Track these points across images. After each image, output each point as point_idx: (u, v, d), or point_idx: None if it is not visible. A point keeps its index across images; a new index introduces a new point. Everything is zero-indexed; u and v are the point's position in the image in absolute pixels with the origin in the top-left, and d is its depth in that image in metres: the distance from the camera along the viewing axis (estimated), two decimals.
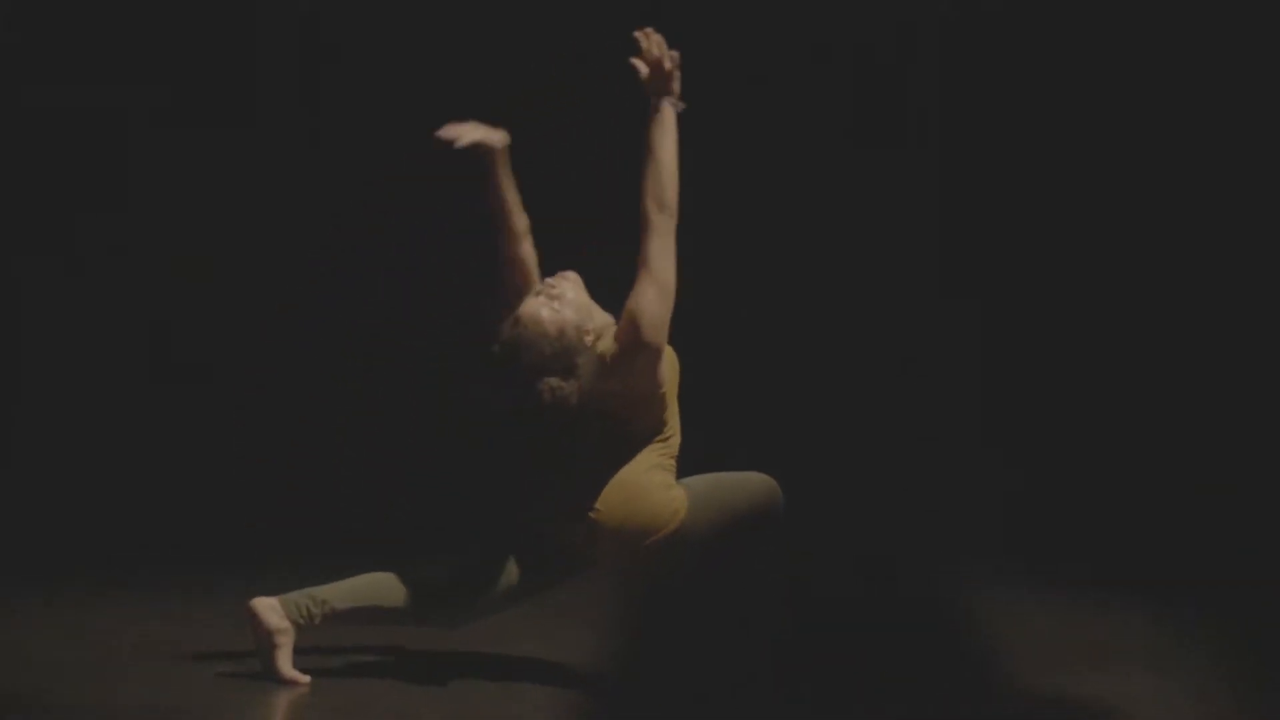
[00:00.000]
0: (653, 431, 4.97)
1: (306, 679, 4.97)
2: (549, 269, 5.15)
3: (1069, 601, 6.17)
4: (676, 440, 5.02)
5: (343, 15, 8.01)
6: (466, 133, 5.16)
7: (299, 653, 5.02)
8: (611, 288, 4.97)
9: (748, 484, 5.09)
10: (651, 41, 5.08)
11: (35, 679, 4.97)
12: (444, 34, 8.07)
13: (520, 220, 5.25)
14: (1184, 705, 5.01)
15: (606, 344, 4.88)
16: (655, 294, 4.81)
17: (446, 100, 8.08)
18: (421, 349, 7.95)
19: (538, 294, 4.91)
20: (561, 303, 4.86)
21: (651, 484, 4.92)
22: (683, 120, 5.02)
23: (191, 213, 8.00)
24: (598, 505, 4.94)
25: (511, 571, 5.02)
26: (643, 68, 5.06)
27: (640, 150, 4.95)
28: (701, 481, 5.05)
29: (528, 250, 5.24)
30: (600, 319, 4.94)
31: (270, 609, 4.97)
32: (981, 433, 7.88)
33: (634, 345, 4.81)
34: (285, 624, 4.96)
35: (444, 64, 8.06)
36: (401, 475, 7.57)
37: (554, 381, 4.82)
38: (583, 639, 5.48)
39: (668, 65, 5.02)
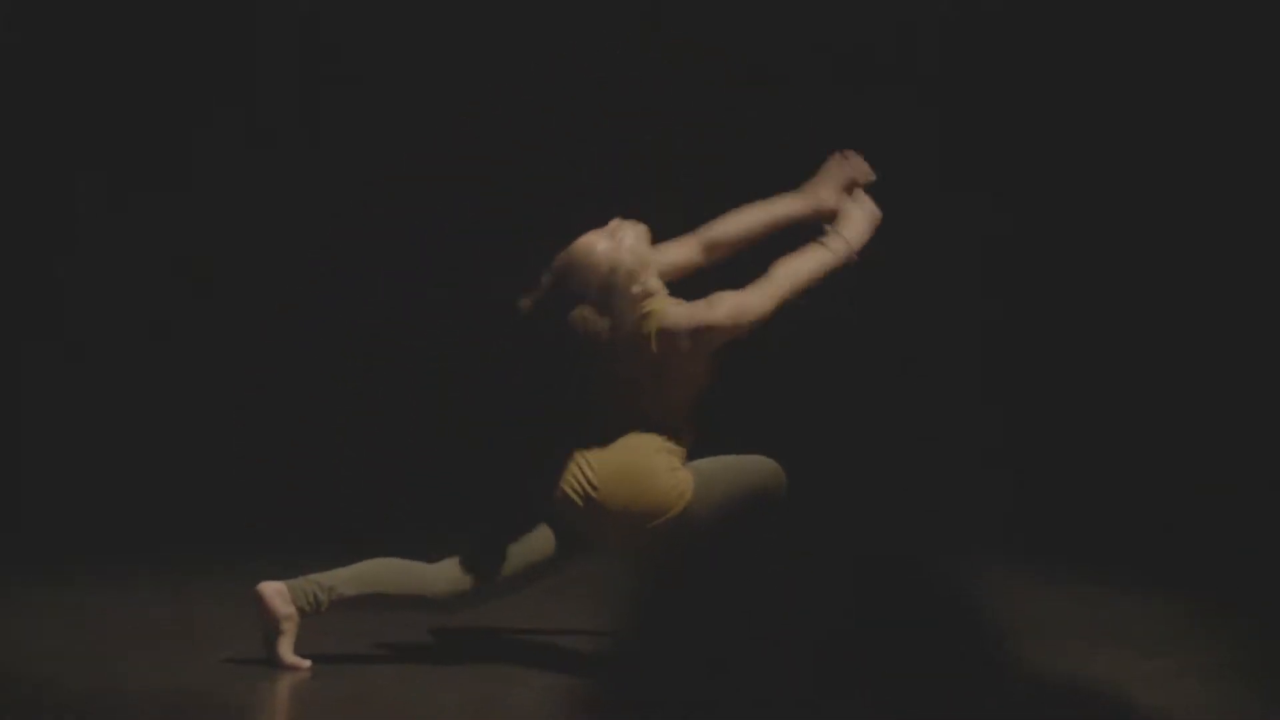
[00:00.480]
0: (674, 418, 4.97)
1: (307, 664, 4.98)
2: None
3: (1072, 590, 6.18)
4: (691, 434, 5.04)
5: (343, 15, 8.01)
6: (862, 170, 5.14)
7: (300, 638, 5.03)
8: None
9: (751, 466, 5.11)
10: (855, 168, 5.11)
11: (38, 667, 4.99)
12: (444, 33, 8.07)
13: (736, 246, 5.20)
14: (1190, 688, 5.02)
15: (657, 305, 4.87)
16: (756, 298, 4.86)
17: (446, 100, 8.09)
18: (421, 349, 7.95)
19: (601, 230, 4.91)
20: (621, 244, 4.86)
21: (657, 467, 4.93)
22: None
23: (191, 212, 8.00)
24: (600, 486, 4.94)
25: (515, 555, 5.02)
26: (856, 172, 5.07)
27: (782, 235, 4.99)
28: (707, 464, 5.06)
29: (703, 257, 5.20)
30: (656, 281, 4.95)
31: (277, 594, 4.97)
32: (983, 427, 7.87)
33: (706, 319, 4.82)
34: (291, 610, 4.96)
35: (444, 64, 8.06)
36: (401, 475, 7.56)
37: (588, 312, 4.83)
38: (582, 622, 5.51)
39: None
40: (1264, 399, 7.64)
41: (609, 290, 4.85)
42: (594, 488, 4.96)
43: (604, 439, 4.97)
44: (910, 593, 6.32)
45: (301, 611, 4.97)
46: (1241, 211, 7.83)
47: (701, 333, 4.86)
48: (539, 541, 5.03)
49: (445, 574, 5.04)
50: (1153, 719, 4.91)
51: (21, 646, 5.22)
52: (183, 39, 7.94)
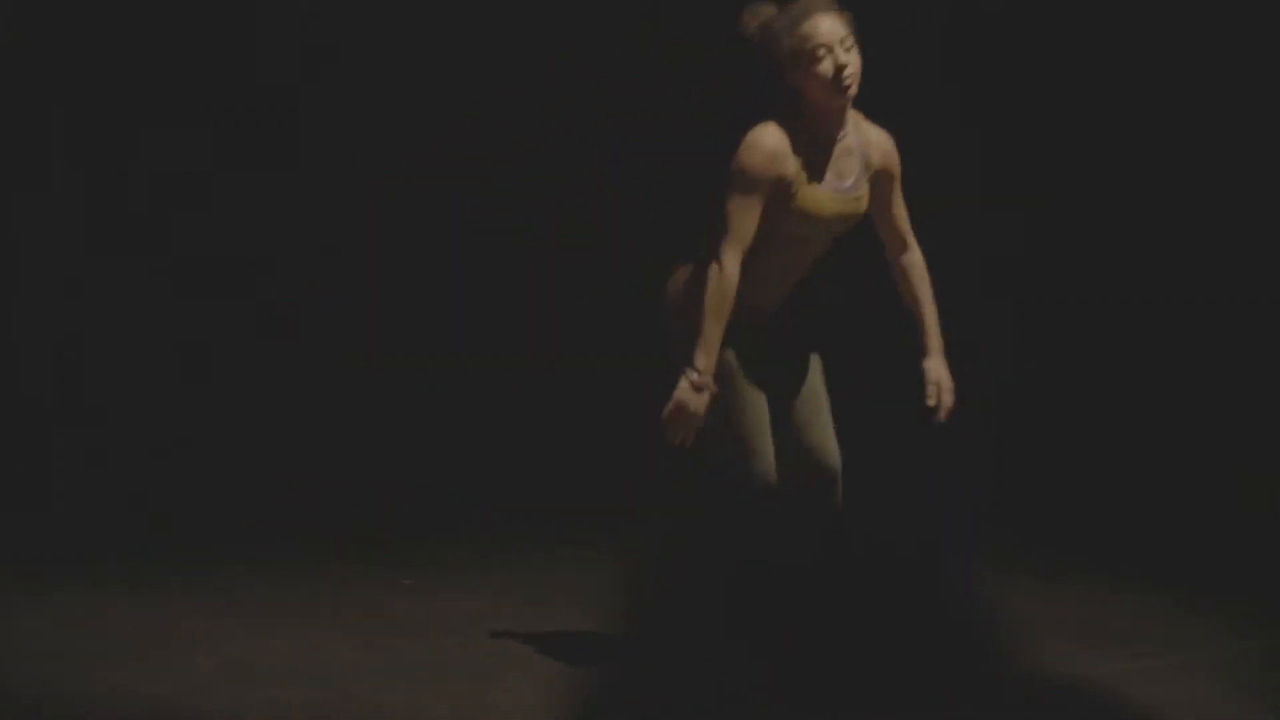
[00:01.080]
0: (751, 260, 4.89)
1: None
2: None
3: (1067, 590, 6.18)
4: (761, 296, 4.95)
5: (343, 15, 8.01)
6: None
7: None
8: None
9: (751, 432, 4.97)
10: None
11: (34, 671, 5.01)
12: (444, 33, 8.08)
13: (899, 284, 5.17)
14: (1184, 687, 5.03)
15: (771, 122, 4.83)
16: (730, 242, 4.77)
17: (446, 101, 8.10)
18: (422, 349, 7.96)
19: (835, 59, 4.79)
20: (820, 73, 4.78)
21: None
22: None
23: (190, 213, 8.01)
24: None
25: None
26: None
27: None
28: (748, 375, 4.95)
29: (891, 252, 5.16)
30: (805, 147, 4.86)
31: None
32: (980, 427, 7.85)
33: (734, 166, 4.78)
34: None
35: (443, 63, 8.07)
36: (401, 475, 7.57)
37: (753, 22, 4.85)
38: (566, 626, 5.54)
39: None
40: (1257, 399, 7.63)
41: (770, 45, 4.82)
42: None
43: None
44: (909, 593, 6.30)
45: None
46: (1240, 212, 7.82)
47: (730, 167, 4.83)
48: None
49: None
50: (1146, 717, 4.93)
51: (15, 651, 5.23)
52: (183, 38, 7.95)
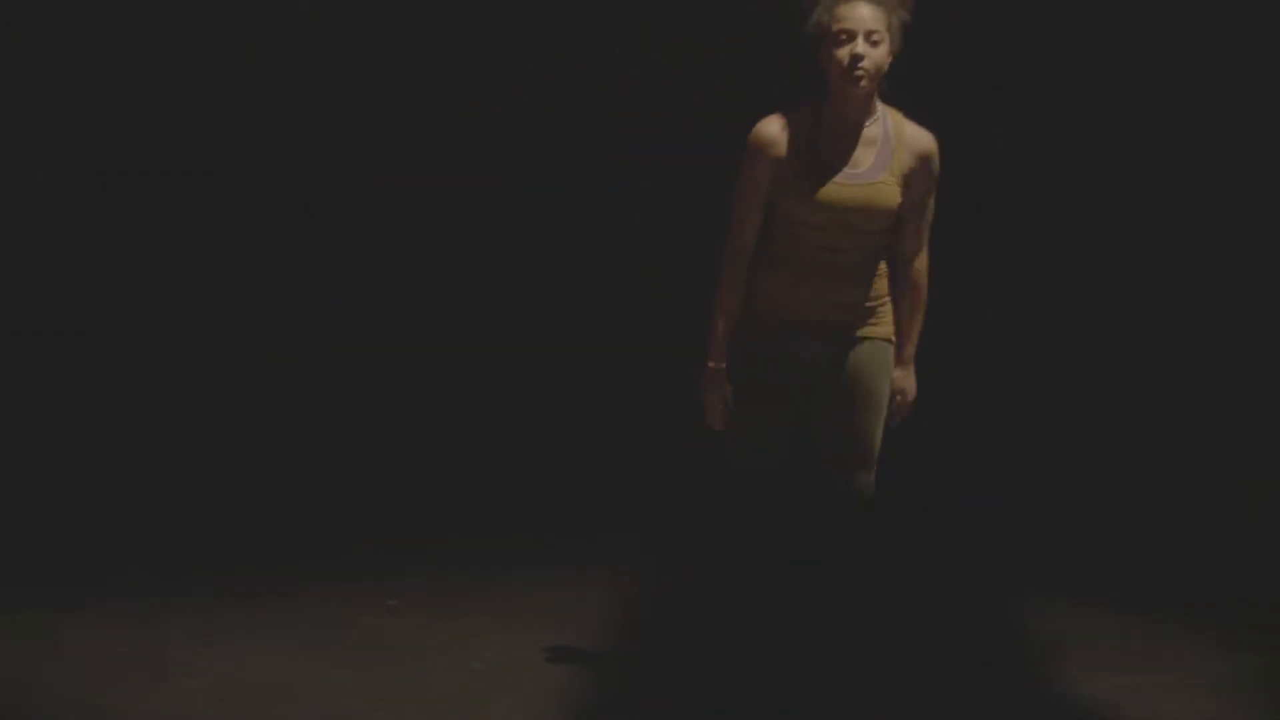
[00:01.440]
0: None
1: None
2: None
3: (1069, 605, 6.16)
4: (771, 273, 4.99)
5: (343, 15, 7.99)
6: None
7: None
8: None
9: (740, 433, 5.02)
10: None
11: (20, 693, 4.99)
12: (445, 33, 8.06)
13: (894, 293, 5.15)
14: (1186, 703, 5.01)
15: (785, 116, 4.89)
16: (738, 217, 4.92)
17: (445, 100, 8.07)
18: (421, 352, 7.94)
19: (865, 43, 4.80)
20: (847, 47, 4.80)
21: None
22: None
23: (189, 212, 7.99)
24: None
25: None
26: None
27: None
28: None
29: (896, 267, 5.13)
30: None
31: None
32: (990, 430, 7.83)
33: (751, 138, 4.88)
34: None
35: (443, 63, 8.04)
36: (401, 480, 7.55)
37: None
38: (552, 640, 5.53)
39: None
40: (1262, 415, 7.59)
41: (811, 16, 4.85)
42: None
43: None
44: (913, 609, 6.23)
45: None
46: (1249, 224, 7.77)
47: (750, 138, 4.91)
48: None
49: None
50: None
51: (6, 673, 5.21)
52: (183, 38, 7.94)
